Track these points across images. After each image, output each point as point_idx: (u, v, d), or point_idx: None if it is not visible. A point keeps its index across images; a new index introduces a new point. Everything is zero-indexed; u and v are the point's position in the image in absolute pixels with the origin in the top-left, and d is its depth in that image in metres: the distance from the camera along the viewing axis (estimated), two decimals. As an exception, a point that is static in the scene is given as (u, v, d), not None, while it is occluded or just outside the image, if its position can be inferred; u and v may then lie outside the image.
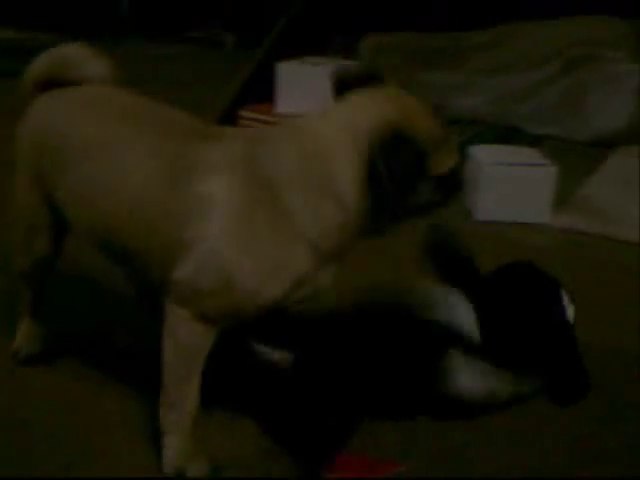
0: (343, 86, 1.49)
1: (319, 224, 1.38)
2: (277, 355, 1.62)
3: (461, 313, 1.73)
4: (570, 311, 1.84)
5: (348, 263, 1.49)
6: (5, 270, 2.02)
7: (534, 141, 4.11)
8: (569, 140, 4.21)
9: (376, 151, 1.33)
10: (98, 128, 1.59)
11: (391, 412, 1.68)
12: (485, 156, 3.06)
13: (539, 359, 1.79)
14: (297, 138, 1.42)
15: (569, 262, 2.18)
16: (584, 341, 1.82)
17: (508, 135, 4.21)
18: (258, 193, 1.40)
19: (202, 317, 1.45)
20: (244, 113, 3.75)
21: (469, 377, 1.69)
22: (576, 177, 3.44)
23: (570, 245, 2.80)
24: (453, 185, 1.45)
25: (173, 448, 1.53)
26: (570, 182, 3.28)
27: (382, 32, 4.90)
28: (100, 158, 1.55)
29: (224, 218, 1.40)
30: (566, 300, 1.85)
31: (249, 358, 1.65)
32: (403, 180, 1.34)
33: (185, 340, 1.47)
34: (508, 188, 2.96)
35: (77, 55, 1.74)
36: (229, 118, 3.87)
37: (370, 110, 1.39)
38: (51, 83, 1.73)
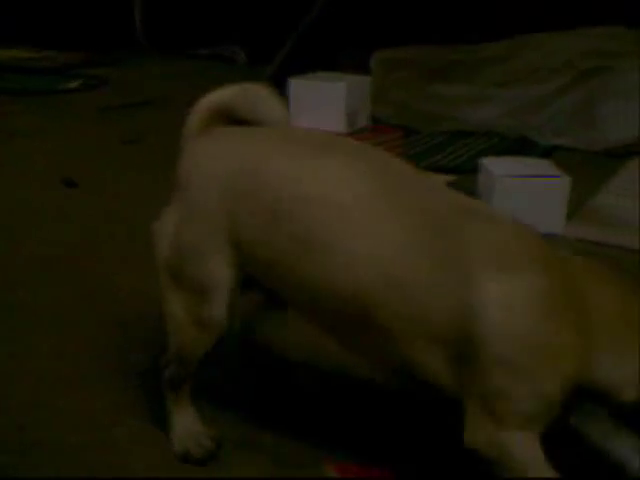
0: None
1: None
2: None
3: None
4: None
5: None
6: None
7: (547, 152, 4.12)
8: (582, 151, 4.22)
9: None
10: (322, 178, 1.39)
11: None
12: (498, 168, 3.07)
13: None
14: None
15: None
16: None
17: (521, 146, 4.22)
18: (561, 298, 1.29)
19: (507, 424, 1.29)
20: (257, 129, 3.78)
21: None
22: (589, 188, 3.45)
23: (584, 255, 2.80)
24: None
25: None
26: (583, 193, 3.28)
27: (393, 46, 4.92)
28: (328, 215, 1.36)
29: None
30: None
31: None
32: None
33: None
34: (522, 200, 2.97)
35: (260, 95, 1.57)
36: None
37: None
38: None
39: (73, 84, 5.79)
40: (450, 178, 3.59)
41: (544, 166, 3.15)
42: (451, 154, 4.12)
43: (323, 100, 3.65)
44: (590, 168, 3.89)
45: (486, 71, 4.59)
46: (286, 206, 1.38)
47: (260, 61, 5.43)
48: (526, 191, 2.97)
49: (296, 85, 3.76)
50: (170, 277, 1.52)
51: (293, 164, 1.42)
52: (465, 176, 3.66)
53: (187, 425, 1.61)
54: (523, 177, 2.99)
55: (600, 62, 4.31)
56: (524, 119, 4.43)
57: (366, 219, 1.33)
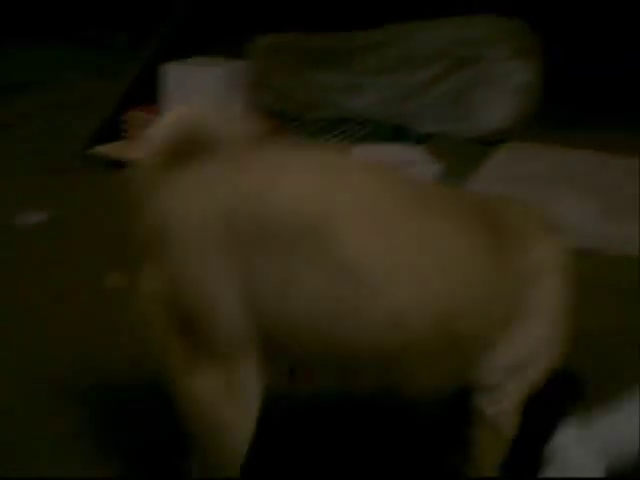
0: None
1: None
2: None
3: None
4: None
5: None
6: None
7: (422, 139, 4.18)
8: (456, 138, 4.30)
9: None
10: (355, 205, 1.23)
11: None
12: (370, 155, 3.10)
13: None
14: None
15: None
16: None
17: (397, 134, 4.26)
18: None
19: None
20: (130, 115, 3.70)
21: None
22: (463, 174, 3.52)
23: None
24: None
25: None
26: (457, 179, 3.34)
27: (272, 32, 4.89)
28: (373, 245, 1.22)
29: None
30: None
31: None
32: None
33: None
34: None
35: (214, 118, 1.31)
36: (116, 121, 3.82)
37: None
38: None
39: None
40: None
41: (416, 153, 3.21)
42: (329, 141, 4.14)
43: (199, 86, 3.60)
44: (464, 155, 3.97)
45: (362, 59, 4.61)
46: (308, 233, 1.18)
47: (142, 45, 5.31)
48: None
49: (171, 71, 3.70)
50: (183, 352, 1.23)
51: (307, 184, 1.21)
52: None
53: None
54: (393, 165, 3.03)
55: (473, 51, 4.39)
56: (399, 107, 4.47)
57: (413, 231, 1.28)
